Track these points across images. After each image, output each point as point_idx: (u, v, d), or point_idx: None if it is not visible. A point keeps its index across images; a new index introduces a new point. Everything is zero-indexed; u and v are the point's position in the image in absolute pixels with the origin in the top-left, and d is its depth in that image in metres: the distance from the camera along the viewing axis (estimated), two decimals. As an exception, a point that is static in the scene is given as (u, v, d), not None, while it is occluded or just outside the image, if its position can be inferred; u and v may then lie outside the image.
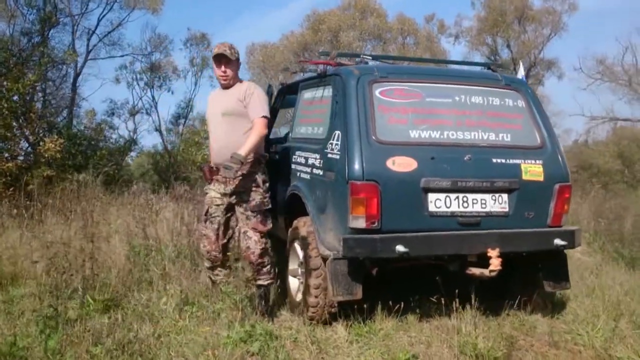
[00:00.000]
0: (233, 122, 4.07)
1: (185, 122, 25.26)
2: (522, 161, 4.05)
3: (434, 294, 4.11)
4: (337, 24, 21.07)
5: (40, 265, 4.59)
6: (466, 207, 3.93)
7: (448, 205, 3.89)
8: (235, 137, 4.03)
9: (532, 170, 4.05)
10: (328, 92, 4.33)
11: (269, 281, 4.22)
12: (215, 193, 4.22)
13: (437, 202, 3.87)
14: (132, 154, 21.28)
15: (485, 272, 3.82)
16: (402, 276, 4.49)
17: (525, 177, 4.02)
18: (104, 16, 22.11)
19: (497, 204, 3.99)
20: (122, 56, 23.73)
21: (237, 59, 4.19)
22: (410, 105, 4.03)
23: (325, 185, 4.02)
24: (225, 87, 4.20)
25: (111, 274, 4.61)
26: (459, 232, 3.84)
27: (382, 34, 22.44)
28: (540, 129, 4.22)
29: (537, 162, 4.07)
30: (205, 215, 4.28)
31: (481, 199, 3.96)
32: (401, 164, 3.80)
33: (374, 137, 3.83)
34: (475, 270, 3.93)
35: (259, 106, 4.08)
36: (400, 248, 3.66)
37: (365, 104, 3.93)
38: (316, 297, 4.07)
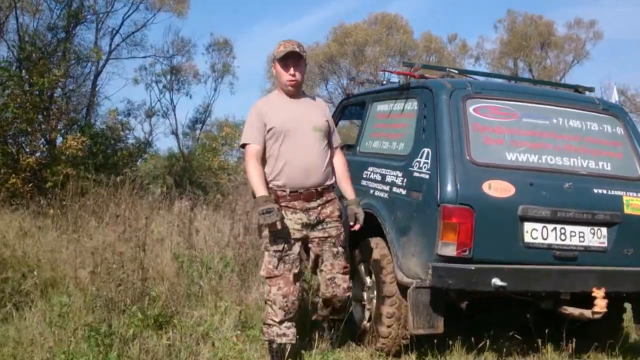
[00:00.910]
0: (321, 142, 3.43)
1: (202, 127, 25.08)
2: (624, 193, 3.72)
3: (511, 329, 3.76)
4: (363, 37, 20.84)
5: (84, 272, 4.24)
6: (564, 240, 3.58)
7: (545, 236, 3.55)
8: (326, 160, 3.45)
9: (634, 203, 3.71)
10: (412, 105, 4.01)
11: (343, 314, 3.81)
12: (292, 223, 3.33)
13: (533, 233, 3.53)
14: (145, 156, 21.14)
15: (586, 312, 3.47)
16: (480, 307, 4.14)
17: (627, 210, 3.69)
18: (128, 16, 22.02)
19: (595, 238, 3.65)
20: (144, 57, 23.61)
21: (305, 61, 3.49)
22: (506, 125, 3.71)
23: (409, 206, 3.68)
24: (292, 94, 3.46)
25: (161, 286, 4.25)
26: (561, 268, 3.50)
27: (407, 51, 22.19)
28: (642, 160, 3.89)
29: (639, 195, 3.74)
30: (280, 251, 3.30)
31: (579, 232, 3.62)
32: (498, 189, 3.47)
33: (468, 158, 3.51)
34: (573, 310, 3.57)
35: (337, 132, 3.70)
36: (496, 281, 3.31)
37: (459, 120, 3.61)
38: (389, 326, 3.72)
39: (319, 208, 3.41)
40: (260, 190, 3.22)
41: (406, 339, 3.75)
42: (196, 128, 25.42)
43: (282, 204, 3.31)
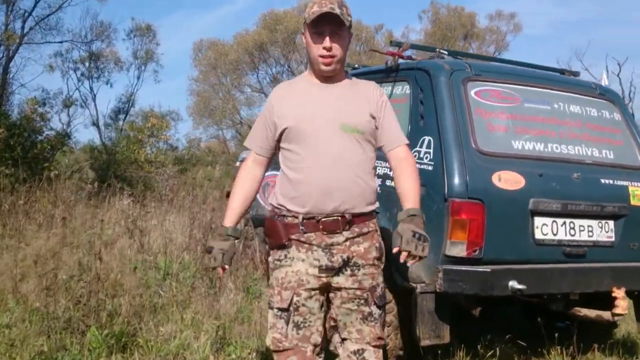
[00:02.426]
0: (357, 147, 2.32)
1: (126, 117, 23.80)
2: (630, 183, 3.51)
3: (508, 332, 3.50)
4: (294, 25, 20.36)
5: (27, 285, 3.61)
6: (573, 235, 3.33)
7: (555, 232, 3.28)
8: (364, 173, 2.34)
9: (640, 194, 3.51)
10: (403, 89, 3.63)
11: None
12: (307, 266, 2.30)
13: (543, 228, 3.25)
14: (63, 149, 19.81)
15: (605, 314, 3.24)
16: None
17: (633, 202, 3.48)
18: (42, -3, 20.41)
19: (603, 232, 3.42)
20: (60, 42, 22.03)
21: (350, 29, 2.36)
22: (509, 111, 3.40)
23: (408, 201, 3.31)
24: (326, 77, 2.37)
25: (119, 299, 3.69)
26: (577, 266, 3.24)
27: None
28: (640, 147, 3.71)
29: (644, 184, 3.54)
30: (286, 310, 2.31)
31: (588, 226, 3.37)
32: (508, 180, 3.16)
33: (474, 146, 3.18)
34: (588, 312, 3.33)
35: (398, 125, 2.48)
36: (514, 284, 3.00)
37: (462, 105, 3.27)
38: (387, 336, 3.34)
39: (347, 244, 2.30)
40: (227, 217, 2.44)
41: (402, 349, 3.40)
42: (119, 119, 24.10)
43: (293, 236, 2.29)
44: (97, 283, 3.48)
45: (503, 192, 3.12)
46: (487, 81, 3.43)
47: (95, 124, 23.26)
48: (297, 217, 2.29)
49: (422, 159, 3.28)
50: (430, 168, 3.21)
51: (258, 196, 5.42)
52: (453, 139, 3.17)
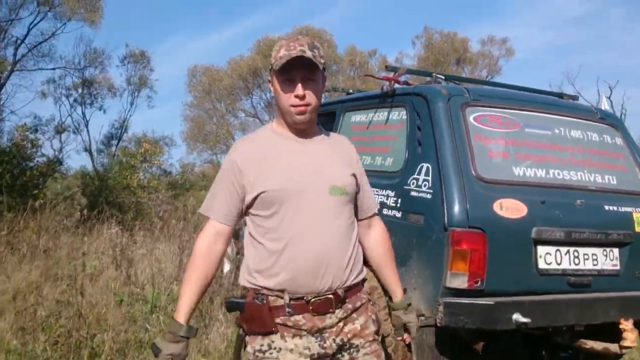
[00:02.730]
0: (345, 212, 1.99)
1: (118, 143, 23.62)
2: (634, 209, 3.39)
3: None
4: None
5: (5, 322, 3.43)
6: (577, 264, 3.20)
7: (559, 261, 3.15)
8: (352, 242, 2.00)
9: (645, 221, 3.39)
10: (399, 115, 3.53)
11: None
12: (296, 357, 1.92)
13: (547, 257, 3.11)
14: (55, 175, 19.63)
15: (612, 347, 3.09)
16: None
17: (638, 228, 3.36)
18: (35, 25, 20.37)
19: (608, 260, 3.29)
20: (52, 69, 21.93)
21: (324, 72, 2.00)
22: (509, 136, 3.30)
23: (406, 230, 3.18)
24: (300, 130, 1.99)
25: (103, 335, 3.51)
26: (582, 297, 3.10)
27: (331, 65, 21.97)
28: (644, 172, 3.60)
29: (648, 211, 3.43)
30: None
31: (592, 254, 3.25)
32: (510, 208, 3.03)
33: (474, 173, 3.06)
34: (594, 345, 3.19)
35: (371, 189, 2.21)
36: (518, 318, 2.86)
37: (461, 131, 3.16)
38: (385, 373, 3.18)
39: (341, 325, 1.97)
40: (179, 310, 1.92)
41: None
42: (112, 144, 23.89)
43: (278, 320, 1.91)
44: (78, 320, 3.30)
45: (505, 220, 3.00)
46: (486, 106, 3.33)
47: (88, 150, 23.02)
48: (281, 297, 1.90)
49: (420, 186, 3.16)
50: (429, 196, 3.09)
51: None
52: (452, 166, 3.05)
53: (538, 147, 3.35)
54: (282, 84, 1.91)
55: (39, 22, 20.15)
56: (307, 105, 1.90)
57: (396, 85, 3.62)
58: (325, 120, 4.66)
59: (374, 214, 2.17)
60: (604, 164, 3.51)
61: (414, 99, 3.41)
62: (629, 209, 3.37)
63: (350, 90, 4.75)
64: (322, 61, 1.92)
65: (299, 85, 1.89)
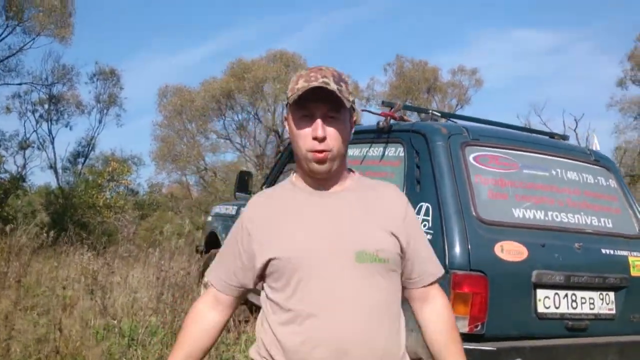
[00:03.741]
0: (380, 283, 1.54)
1: (85, 161, 23.10)
2: (629, 253, 3.39)
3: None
4: (262, 74, 20.39)
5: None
6: (575, 308, 3.17)
7: (557, 305, 3.11)
8: (393, 317, 1.58)
9: (639, 264, 3.39)
10: (396, 151, 3.47)
11: None
12: None
13: (546, 301, 3.07)
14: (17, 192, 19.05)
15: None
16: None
17: (633, 272, 3.35)
18: (2, 39, 19.91)
19: (604, 304, 3.27)
20: (19, 84, 21.42)
21: (352, 113, 1.61)
22: (508, 177, 3.27)
23: (404, 271, 3.10)
24: (321, 181, 1.59)
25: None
26: (581, 342, 3.07)
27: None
28: (636, 215, 3.62)
29: (642, 255, 3.43)
30: None
31: (589, 298, 3.22)
32: (511, 251, 2.98)
33: (474, 215, 3.01)
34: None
35: (431, 249, 1.73)
36: (520, 363, 2.80)
37: (461, 171, 3.12)
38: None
39: None
40: None
41: None
42: (78, 162, 23.34)
43: None
44: (55, 357, 3.11)
45: (506, 264, 2.95)
46: (485, 146, 3.30)
47: (53, 167, 22.43)
48: None
49: (419, 226, 3.09)
50: (429, 237, 3.01)
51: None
52: (453, 207, 3.00)
53: (536, 188, 3.33)
54: (299, 121, 1.53)
55: (7, 36, 19.70)
56: (328, 150, 1.50)
57: (392, 121, 3.57)
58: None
59: (432, 283, 1.66)
60: (600, 206, 3.50)
61: (412, 136, 3.36)
62: (624, 253, 3.36)
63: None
64: (351, 98, 1.54)
65: (319, 123, 1.50)
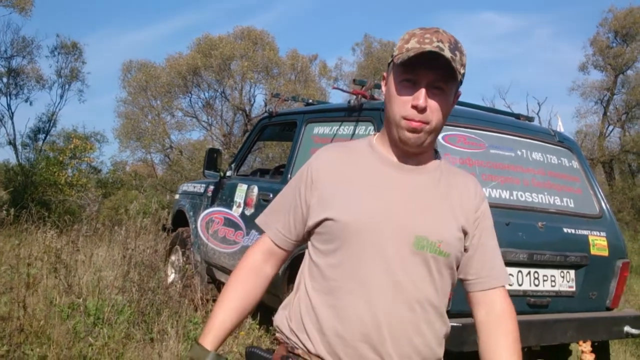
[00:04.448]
0: (434, 276, 1.41)
1: (46, 137, 22.55)
2: (589, 232, 3.49)
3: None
4: (230, 51, 20.11)
5: None
6: (537, 285, 3.26)
7: (520, 282, 3.20)
8: (437, 315, 1.44)
9: (599, 243, 3.50)
10: (366, 130, 3.49)
11: None
12: None
13: (510, 279, 3.15)
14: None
15: (570, 369, 3.15)
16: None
17: (593, 251, 3.46)
18: (-43, 8, 19.17)
19: (565, 281, 3.37)
20: (-25, 57, 20.70)
21: (459, 87, 1.47)
22: (476, 157, 3.32)
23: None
24: (408, 151, 1.45)
25: (44, 350, 3.27)
26: (542, 318, 3.16)
27: (273, 68, 21.84)
28: (597, 195, 3.72)
29: (602, 234, 3.54)
30: None
31: (551, 276, 3.32)
32: (477, 230, 3.04)
33: (442, 193, 3.05)
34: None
35: (500, 253, 1.63)
36: (484, 339, 2.86)
37: (430, 150, 3.14)
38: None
39: None
40: (208, 333, 1.47)
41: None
42: (39, 139, 22.76)
43: None
44: (19, 335, 3.06)
45: (472, 241, 3.00)
46: (454, 125, 3.33)
47: (12, 143, 21.83)
48: None
49: (388, 204, 3.12)
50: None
51: (200, 231, 5.12)
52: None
53: (502, 168, 3.39)
54: (400, 85, 1.38)
55: (-38, 6, 19.00)
56: (426, 122, 1.37)
57: (362, 100, 3.58)
58: (282, 130, 4.58)
59: (497, 288, 1.52)
60: (563, 186, 3.59)
61: (383, 115, 3.36)
62: (585, 232, 3.46)
63: (310, 100, 4.68)
64: (463, 71, 1.41)
65: (423, 92, 1.36)
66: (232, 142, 20.74)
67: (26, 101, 22.73)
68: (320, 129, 3.91)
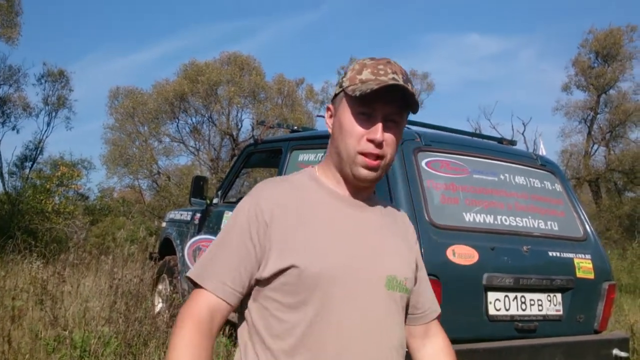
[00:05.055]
0: (400, 316, 1.39)
1: (33, 165, 22.42)
2: (574, 255, 3.51)
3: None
4: (216, 76, 20.21)
5: None
6: (524, 310, 3.27)
7: (507, 307, 3.20)
8: (404, 355, 1.40)
9: (584, 266, 3.52)
10: (351, 157, 3.50)
11: None
12: None
13: (496, 304, 3.16)
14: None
15: (558, 393, 3.15)
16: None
17: (578, 274, 3.48)
18: (-58, 39, 19.15)
19: (552, 305, 3.38)
20: (-39, 86, 20.64)
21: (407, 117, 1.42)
22: (459, 182, 3.34)
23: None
24: (360, 188, 1.39)
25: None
26: (531, 343, 3.16)
27: (259, 92, 21.95)
28: (580, 218, 3.76)
29: (587, 256, 3.56)
30: None
31: (538, 300, 3.33)
32: (462, 255, 3.06)
33: (427, 219, 3.07)
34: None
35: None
36: (473, 366, 2.87)
37: (414, 176, 3.17)
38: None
39: None
40: None
41: None
42: (25, 166, 22.65)
43: None
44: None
45: (458, 267, 3.02)
46: (437, 151, 3.37)
47: (-2, 171, 21.71)
48: None
49: (374, 231, 3.13)
50: (383, 241, 3.07)
51: (187, 259, 5.09)
52: (407, 211, 3.03)
53: (486, 192, 3.42)
54: (356, 118, 1.31)
55: (-53, 36, 18.99)
56: (382, 157, 1.32)
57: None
58: (267, 156, 4.60)
59: (435, 319, 1.54)
60: (546, 210, 3.62)
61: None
62: (570, 255, 3.49)
63: (295, 127, 4.71)
64: (418, 101, 1.37)
65: (380, 126, 1.30)
66: (220, 167, 20.73)
67: (13, 129, 22.64)
68: (305, 156, 3.93)
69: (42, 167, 22.70)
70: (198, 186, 5.06)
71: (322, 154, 3.75)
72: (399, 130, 1.36)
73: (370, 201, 1.42)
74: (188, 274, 1.33)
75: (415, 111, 1.36)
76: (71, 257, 6.12)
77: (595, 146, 24.49)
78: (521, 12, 46.07)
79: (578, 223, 3.73)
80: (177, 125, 21.95)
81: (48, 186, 19.43)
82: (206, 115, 21.83)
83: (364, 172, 1.32)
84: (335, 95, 1.39)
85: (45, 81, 23.14)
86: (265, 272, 1.27)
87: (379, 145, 1.30)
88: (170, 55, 45.26)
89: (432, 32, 50.38)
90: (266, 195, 1.33)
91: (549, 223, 3.57)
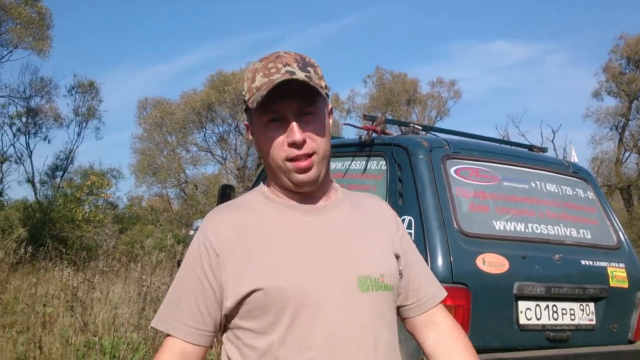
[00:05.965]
0: (386, 315, 1.28)
1: (64, 174, 22.86)
2: (608, 264, 3.44)
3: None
4: (242, 86, 20.36)
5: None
6: (556, 319, 3.20)
7: (539, 316, 3.15)
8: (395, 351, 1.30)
9: (618, 275, 3.44)
10: (378, 165, 3.49)
11: None
12: None
13: (527, 313, 3.11)
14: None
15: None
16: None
17: (612, 283, 3.40)
18: (-22, 51, 19.72)
19: (584, 315, 3.31)
20: (-4, 97, 21.18)
21: (328, 100, 1.31)
22: (488, 190, 3.30)
23: (388, 284, 3.11)
24: (303, 193, 1.29)
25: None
26: (563, 353, 3.09)
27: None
28: (614, 226, 3.68)
29: (620, 265, 3.48)
30: None
31: (570, 309, 3.26)
32: (492, 263, 3.02)
33: (456, 227, 3.04)
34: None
35: (428, 266, 1.51)
36: (504, 376, 2.82)
37: (443, 184, 3.14)
38: None
39: None
40: None
41: None
42: (56, 176, 23.12)
43: None
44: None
45: (488, 276, 2.97)
46: (466, 159, 3.33)
47: (30, 180, 22.16)
48: None
49: (402, 239, 3.11)
50: (411, 249, 3.04)
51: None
52: (435, 220, 3.02)
53: (516, 200, 3.37)
54: (266, 127, 1.23)
55: (-18, 49, 19.55)
56: (311, 154, 1.23)
57: (374, 135, 3.60)
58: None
59: (437, 305, 1.41)
60: (579, 218, 3.55)
61: (394, 150, 3.39)
62: (603, 264, 3.42)
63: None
64: (324, 84, 1.27)
65: (294, 125, 1.21)
66: (247, 175, 20.88)
67: (44, 139, 23.18)
68: (333, 165, 3.91)
69: (73, 176, 23.17)
70: (225, 195, 5.09)
71: (350, 162, 3.75)
72: (320, 118, 1.26)
73: (330, 201, 1.33)
74: (152, 324, 1.29)
75: (320, 94, 1.23)
76: (101, 264, 6.21)
77: (627, 153, 24.03)
78: (547, 19, 45.64)
79: (611, 231, 3.65)
80: (204, 135, 22.22)
81: (78, 195, 19.80)
82: (233, 124, 22.03)
83: (300, 177, 1.24)
84: (245, 111, 1.32)
85: (76, 92, 23.67)
86: (229, 302, 1.20)
87: (301, 145, 1.21)
88: (197, 66, 45.87)
89: (458, 40, 50.16)
90: (214, 226, 1.26)
91: (581, 231, 3.50)
